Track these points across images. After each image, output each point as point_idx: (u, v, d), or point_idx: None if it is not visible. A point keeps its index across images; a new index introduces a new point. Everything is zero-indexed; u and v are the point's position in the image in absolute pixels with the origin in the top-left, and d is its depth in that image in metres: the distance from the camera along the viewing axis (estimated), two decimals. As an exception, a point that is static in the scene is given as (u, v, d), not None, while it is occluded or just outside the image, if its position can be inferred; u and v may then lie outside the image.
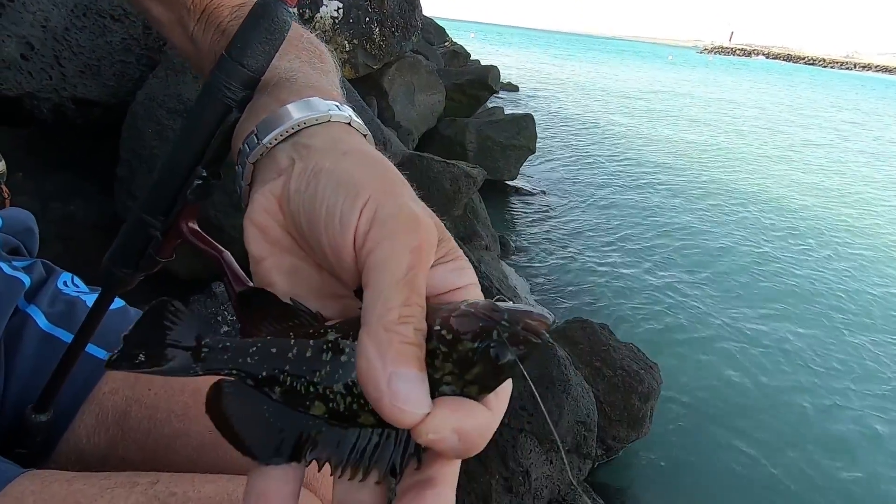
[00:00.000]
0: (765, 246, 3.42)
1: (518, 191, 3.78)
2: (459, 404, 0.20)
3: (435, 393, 0.20)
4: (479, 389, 0.20)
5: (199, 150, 0.32)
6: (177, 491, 0.37)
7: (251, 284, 0.39)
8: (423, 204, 0.24)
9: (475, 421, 0.20)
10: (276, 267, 0.25)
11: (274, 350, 0.22)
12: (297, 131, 0.26)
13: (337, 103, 0.28)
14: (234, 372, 0.22)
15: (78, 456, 0.45)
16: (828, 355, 2.37)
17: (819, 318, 2.67)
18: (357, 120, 0.28)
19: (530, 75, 11.58)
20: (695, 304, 2.58)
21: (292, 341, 0.22)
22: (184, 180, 0.33)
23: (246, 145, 0.28)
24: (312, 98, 0.27)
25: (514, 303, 0.21)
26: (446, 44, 6.48)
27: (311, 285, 0.24)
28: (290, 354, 0.22)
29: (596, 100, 9.07)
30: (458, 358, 0.20)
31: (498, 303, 0.21)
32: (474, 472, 1.19)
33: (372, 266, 0.21)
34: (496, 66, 4.44)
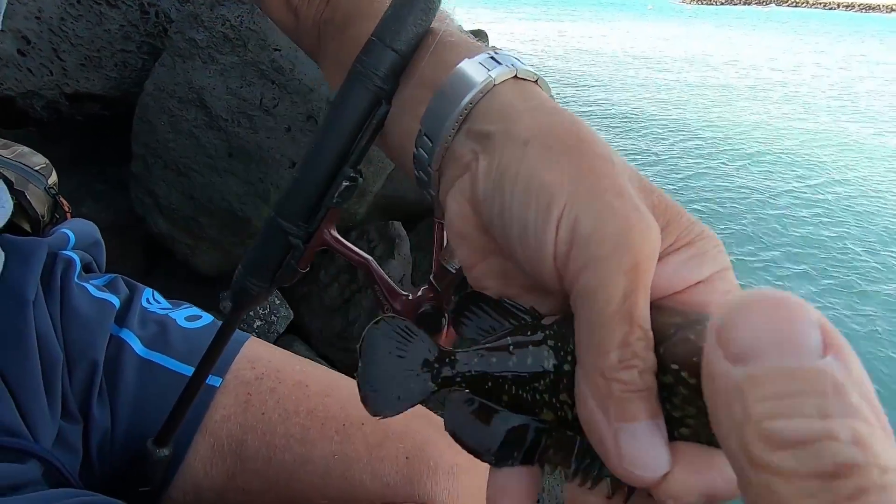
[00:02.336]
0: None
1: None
2: (706, 460, 0.17)
3: (674, 434, 0.17)
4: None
5: (346, 148, 0.29)
6: None
7: (402, 293, 0.36)
8: (634, 182, 0.20)
9: (729, 479, 0.16)
10: (485, 273, 0.23)
11: (494, 360, 0.21)
12: (468, 114, 0.23)
13: (490, 54, 0.24)
14: (463, 385, 0.22)
15: (195, 490, 0.42)
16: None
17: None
18: (521, 66, 0.24)
19: (506, 39, 11.32)
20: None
21: (511, 348, 0.21)
22: (329, 181, 0.29)
23: (421, 150, 0.25)
24: (462, 65, 0.24)
25: None
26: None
27: (524, 283, 0.22)
28: (510, 363, 0.21)
29: (571, 60, 8.94)
30: (706, 407, 0.17)
31: None
32: None
33: (578, 295, 0.18)
34: (483, 30, 4.31)
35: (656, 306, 0.19)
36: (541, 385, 0.20)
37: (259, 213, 1.16)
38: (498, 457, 0.21)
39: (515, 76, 0.23)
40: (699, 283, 0.19)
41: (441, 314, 0.34)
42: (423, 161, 0.25)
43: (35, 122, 1.23)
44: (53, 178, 0.54)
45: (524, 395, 0.21)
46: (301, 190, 0.30)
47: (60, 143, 1.36)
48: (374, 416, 0.23)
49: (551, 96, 0.24)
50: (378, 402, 0.23)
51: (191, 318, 0.48)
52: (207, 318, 0.49)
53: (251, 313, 1.28)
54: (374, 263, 0.34)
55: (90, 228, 0.51)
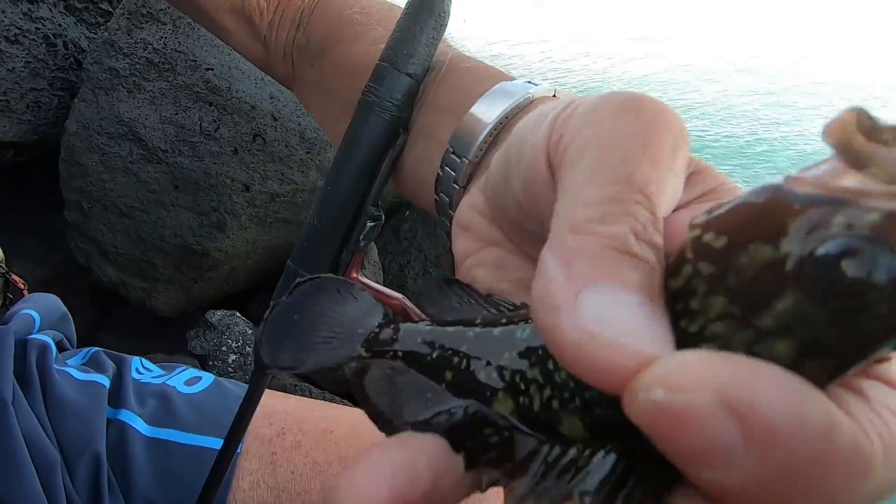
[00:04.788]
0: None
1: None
2: (738, 361, 0.10)
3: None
4: (796, 347, 0.10)
5: (366, 185, 0.27)
6: None
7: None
8: None
9: (778, 396, 0.09)
10: (479, 262, 0.20)
11: (451, 330, 0.16)
12: (503, 127, 0.23)
13: (526, 81, 0.24)
14: (401, 355, 0.17)
15: None
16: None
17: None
18: (561, 91, 0.23)
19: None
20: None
21: (478, 320, 0.16)
22: (351, 224, 0.28)
23: (448, 169, 0.24)
24: (495, 90, 0.24)
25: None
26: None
27: (520, 278, 0.19)
28: (470, 333, 0.15)
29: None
30: (742, 282, 0.10)
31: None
32: None
33: (562, 172, 0.14)
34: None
35: None
36: (504, 359, 0.14)
37: (217, 244, 1.09)
38: (407, 419, 0.15)
39: (554, 95, 0.23)
40: (693, 201, 0.15)
41: None
42: (449, 179, 0.24)
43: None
44: (-1, 255, 0.48)
45: (477, 371, 0.14)
46: (322, 237, 0.28)
47: (-25, 199, 1.23)
48: (266, 366, 0.18)
49: None
50: (275, 352, 0.18)
51: (190, 381, 0.44)
52: (207, 377, 0.45)
53: (224, 348, 1.21)
54: (409, 302, 0.32)
55: (53, 302, 0.46)
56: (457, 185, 0.23)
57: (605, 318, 0.10)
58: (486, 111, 0.22)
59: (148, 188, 1.05)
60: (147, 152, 1.04)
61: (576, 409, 0.13)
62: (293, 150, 1.10)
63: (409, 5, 0.26)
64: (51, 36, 1.08)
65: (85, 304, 1.32)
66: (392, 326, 0.18)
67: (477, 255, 0.20)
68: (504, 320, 0.15)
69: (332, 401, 1.16)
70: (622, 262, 0.11)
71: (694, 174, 0.15)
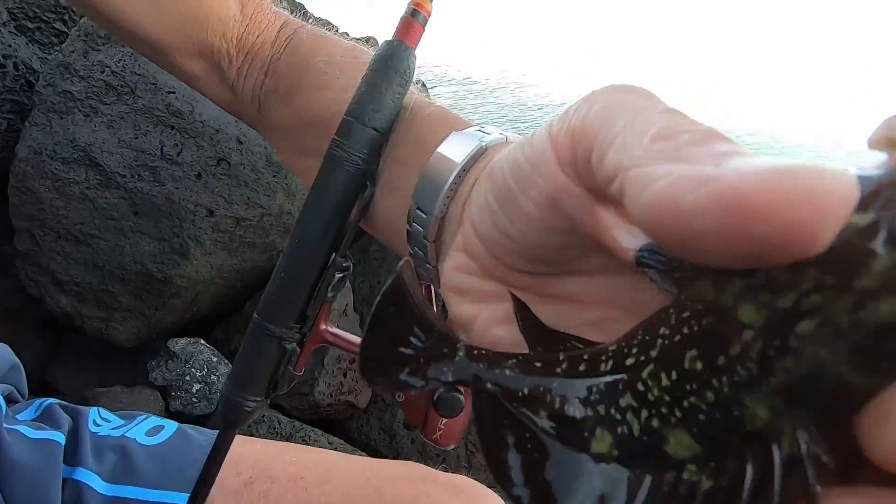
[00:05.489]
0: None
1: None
2: None
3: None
4: None
5: (334, 238, 0.27)
6: None
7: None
8: None
9: None
10: (494, 320, 0.19)
11: (538, 364, 0.16)
12: (461, 180, 0.23)
13: (477, 127, 0.24)
14: (489, 386, 0.16)
15: None
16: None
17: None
18: (512, 136, 0.24)
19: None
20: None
21: (560, 356, 0.16)
22: (320, 275, 0.28)
23: (416, 225, 0.24)
24: (448, 142, 0.24)
25: None
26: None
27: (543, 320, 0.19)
28: (558, 370, 0.16)
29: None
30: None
31: None
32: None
33: (593, 138, 0.14)
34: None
35: None
36: (593, 394, 0.14)
37: (180, 270, 1.06)
38: None
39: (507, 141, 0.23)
40: None
41: (459, 393, 0.32)
42: (419, 235, 0.24)
43: None
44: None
45: (570, 410, 0.15)
46: (290, 290, 0.27)
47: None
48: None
49: None
50: (371, 369, 0.17)
51: (151, 431, 0.42)
52: (171, 425, 0.43)
53: (188, 377, 1.17)
54: None
55: (2, 352, 0.43)
56: (427, 240, 0.23)
57: (751, 166, 0.10)
58: (443, 164, 0.22)
59: (106, 214, 1.01)
60: (105, 177, 1.00)
61: (679, 421, 0.13)
62: (259, 173, 1.09)
63: (374, 62, 0.26)
64: (0, 57, 1.04)
65: (36, 335, 1.25)
66: (476, 352, 0.17)
67: (484, 315, 0.19)
68: (586, 356, 0.15)
69: (300, 429, 1.13)
70: (726, 141, 0.11)
71: None
